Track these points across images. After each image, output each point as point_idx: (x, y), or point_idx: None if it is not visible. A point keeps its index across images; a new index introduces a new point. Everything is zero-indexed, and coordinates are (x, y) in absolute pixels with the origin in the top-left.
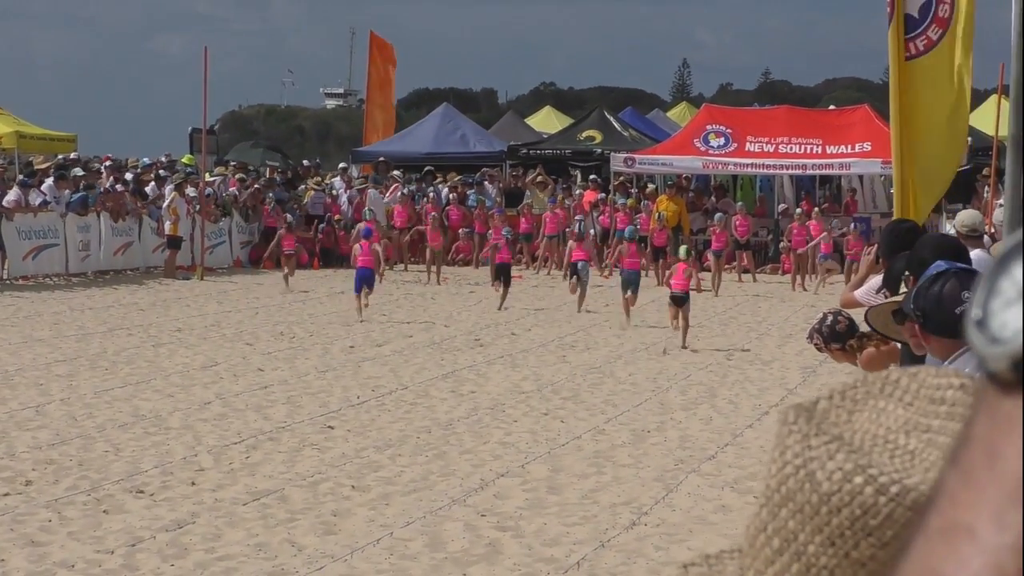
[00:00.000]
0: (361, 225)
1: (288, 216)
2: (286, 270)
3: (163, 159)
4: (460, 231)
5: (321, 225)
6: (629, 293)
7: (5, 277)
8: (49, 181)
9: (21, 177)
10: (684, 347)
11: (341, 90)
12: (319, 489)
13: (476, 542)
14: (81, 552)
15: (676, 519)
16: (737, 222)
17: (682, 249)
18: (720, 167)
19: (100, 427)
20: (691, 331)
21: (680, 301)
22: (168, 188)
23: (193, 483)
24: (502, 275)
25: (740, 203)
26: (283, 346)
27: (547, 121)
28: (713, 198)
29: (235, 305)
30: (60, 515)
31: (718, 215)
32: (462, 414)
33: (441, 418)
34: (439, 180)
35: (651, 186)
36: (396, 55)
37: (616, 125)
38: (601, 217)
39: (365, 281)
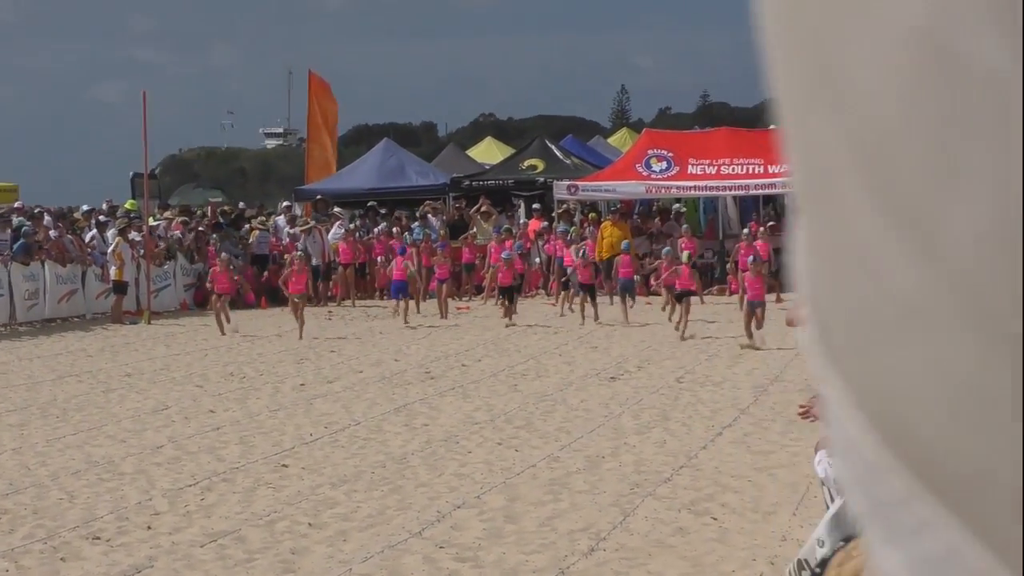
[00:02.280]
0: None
1: (224, 254)
2: (220, 314)
3: (104, 206)
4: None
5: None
6: (627, 297)
7: None
8: None
9: None
10: (683, 338)
11: (280, 130)
12: (276, 528)
13: (436, 574)
14: None
15: (634, 543)
16: (683, 244)
17: (684, 255)
18: (663, 191)
19: (54, 475)
20: (633, 357)
21: (682, 297)
22: (111, 233)
23: (149, 527)
24: (505, 295)
25: (685, 226)
26: (233, 386)
27: (488, 152)
28: (658, 220)
29: (183, 348)
30: (17, 564)
31: (665, 249)
32: (416, 447)
33: (395, 452)
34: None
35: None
36: (334, 92)
37: (558, 153)
38: (546, 246)
39: (401, 291)
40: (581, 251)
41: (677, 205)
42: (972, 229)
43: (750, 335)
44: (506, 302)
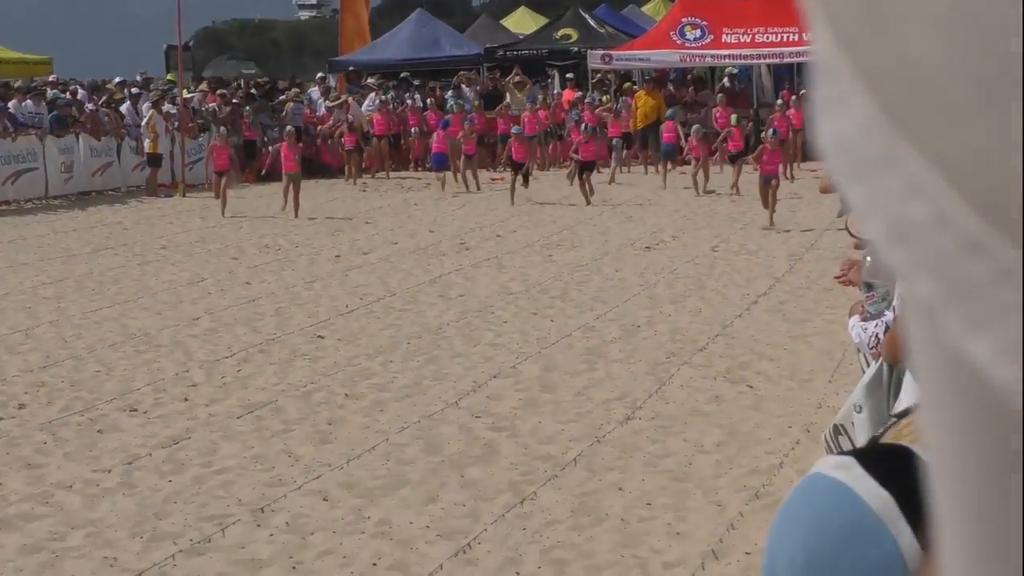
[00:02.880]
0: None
1: (222, 128)
2: (220, 193)
3: (138, 78)
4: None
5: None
6: (668, 162)
7: None
8: (28, 101)
9: None
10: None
11: (314, 1)
12: (312, 399)
13: (472, 444)
14: (78, 472)
15: (670, 411)
16: (717, 114)
17: (733, 117)
18: (697, 60)
19: (90, 347)
20: (668, 227)
21: (734, 159)
22: (145, 106)
23: (186, 399)
24: (518, 171)
25: (720, 95)
26: (269, 259)
27: (522, 22)
28: (692, 89)
29: (218, 220)
30: (55, 436)
31: (695, 127)
32: (451, 318)
33: (431, 323)
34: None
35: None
36: None
37: (592, 23)
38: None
39: (441, 165)
40: (584, 126)
41: (730, 68)
42: None
43: (770, 213)
44: (518, 179)
